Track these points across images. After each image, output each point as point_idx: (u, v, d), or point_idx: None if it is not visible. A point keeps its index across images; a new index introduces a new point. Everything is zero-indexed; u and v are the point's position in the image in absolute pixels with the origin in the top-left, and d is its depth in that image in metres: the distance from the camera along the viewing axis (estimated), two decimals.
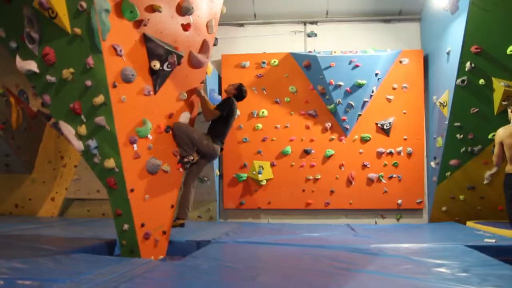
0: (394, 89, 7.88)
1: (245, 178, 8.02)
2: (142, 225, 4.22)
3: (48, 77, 3.99)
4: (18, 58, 4.14)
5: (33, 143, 9.01)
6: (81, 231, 6.19)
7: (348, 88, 7.56)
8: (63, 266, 3.55)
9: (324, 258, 4.12)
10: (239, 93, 5.38)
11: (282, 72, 8.09)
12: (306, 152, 7.99)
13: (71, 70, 3.89)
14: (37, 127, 8.88)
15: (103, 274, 3.30)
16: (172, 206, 4.69)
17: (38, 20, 3.94)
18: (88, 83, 3.83)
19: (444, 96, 6.75)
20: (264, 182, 7.96)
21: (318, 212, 8.06)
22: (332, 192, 7.95)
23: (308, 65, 7.85)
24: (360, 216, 8.00)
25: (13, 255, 3.97)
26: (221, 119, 4.99)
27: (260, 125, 8.06)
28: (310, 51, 8.15)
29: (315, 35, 8.46)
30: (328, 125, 7.95)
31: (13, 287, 2.91)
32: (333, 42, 8.27)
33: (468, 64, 6.06)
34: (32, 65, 4.04)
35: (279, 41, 8.49)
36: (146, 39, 4.14)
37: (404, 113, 7.87)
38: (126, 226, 4.16)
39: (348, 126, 7.87)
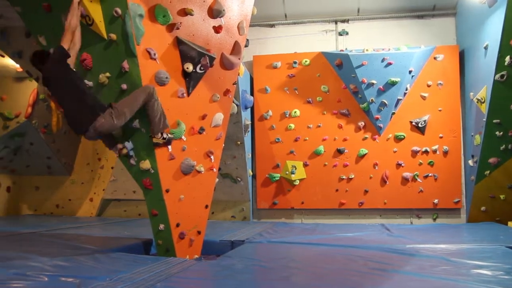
0: (428, 86, 7.70)
1: (278, 178, 8.03)
2: (177, 225, 4.29)
3: (86, 82, 4.12)
4: None
5: (72, 146, 9.32)
6: (119, 230, 6.36)
7: (381, 87, 7.45)
8: (103, 265, 3.66)
9: (358, 258, 4.07)
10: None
11: (314, 71, 8.05)
12: (339, 152, 7.92)
13: (108, 74, 4.00)
14: None
15: (140, 272, 3.37)
16: (207, 206, 4.75)
17: None
18: (124, 86, 3.94)
19: (482, 92, 6.55)
20: (297, 182, 7.94)
21: (351, 212, 7.97)
22: (366, 191, 7.85)
23: (340, 64, 7.78)
24: (395, 216, 7.86)
25: (56, 254, 4.13)
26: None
27: (292, 125, 8.05)
28: (341, 50, 8.08)
29: (347, 33, 8.38)
30: (361, 124, 7.85)
31: (56, 283, 3.02)
32: (365, 40, 8.17)
33: (507, 59, 5.85)
34: None
35: (310, 40, 8.46)
36: (179, 42, 4.21)
37: (440, 110, 7.68)
38: (161, 226, 4.24)
39: (381, 125, 7.75)
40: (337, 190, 7.92)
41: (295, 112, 8.07)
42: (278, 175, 8.04)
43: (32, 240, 5.25)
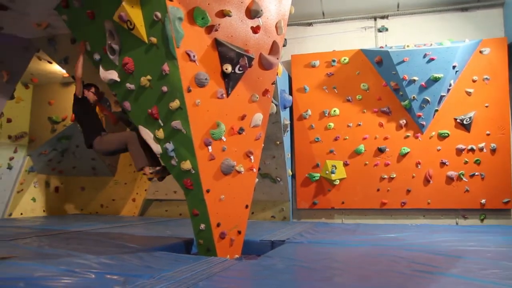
0: (474, 81, 7.42)
1: (318, 178, 7.96)
2: (218, 225, 4.32)
3: (128, 85, 4.24)
4: (101, 69, 4.45)
5: None
6: (160, 230, 6.49)
7: (423, 83, 7.25)
8: (146, 263, 3.74)
9: (402, 260, 3.97)
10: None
11: (353, 69, 7.93)
12: (380, 151, 7.76)
13: (149, 77, 4.09)
14: (119, 132, 9.43)
15: (182, 271, 3.42)
16: (247, 206, 4.76)
17: (118, 32, 4.20)
18: (165, 88, 4.01)
19: None
20: (337, 182, 7.85)
21: (394, 212, 7.79)
22: (408, 191, 7.66)
23: (379, 61, 7.63)
24: (440, 216, 7.62)
25: (101, 252, 4.26)
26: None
27: (332, 124, 7.96)
28: (381, 47, 7.92)
29: (386, 29, 8.21)
30: (403, 122, 7.66)
31: (103, 280, 3.11)
32: (406, 35, 7.97)
33: None
34: (114, 75, 4.32)
35: (348, 38, 8.35)
36: (217, 44, 4.24)
37: (486, 106, 7.38)
38: (202, 226, 4.29)
39: (424, 123, 7.54)
40: (378, 190, 7.77)
41: (334, 111, 7.98)
42: (318, 174, 7.97)
43: (79, 238, 5.44)
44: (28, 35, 6.15)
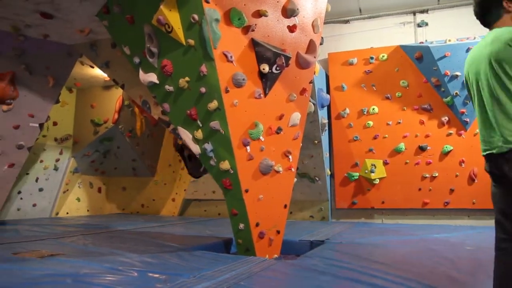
0: None
1: (357, 177, 7.84)
2: (257, 225, 4.33)
3: (167, 87, 4.31)
4: (141, 72, 4.55)
5: (155, 149, 9.80)
6: (200, 229, 6.57)
7: None
8: (186, 262, 3.79)
9: (447, 262, 3.85)
10: None
11: (392, 66, 7.77)
12: (421, 149, 7.56)
13: (187, 78, 4.15)
14: (158, 133, 9.67)
15: (222, 271, 3.45)
16: (285, 206, 4.75)
17: (157, 35, 4.29)
18: (203, 90, 4.05)
19: None
20: (377, 181, 7.70)
21: (436, 212, 7.56)
22: (451, 190, 7.41)
23: (419, 57, 7.43)
24: (486, 217, 7.32)
25: (143, 250, 4.36)
26: None
27: (371, 123, 7.82)
28: (421, 42, 7.72)
29: (426, 24, 7.98)
30: (445, 119, 7.43)
31: (145, 278, 3.18)
32: (447, 29, 7.72)
33: None
34: (153, 77, 4.40)
35: (387, 34, 8.17)
36: (254, 44, 4.25)
37: None
38: (241, 226, 4.30)
39: (468, 120, 7.28)
40: (420, 189, 7.56)
41: (373, 109, 7.84)
42: (357, 174, 7.85)
43: (121, 237, 5.59)
44: (71, 41, 6.38)
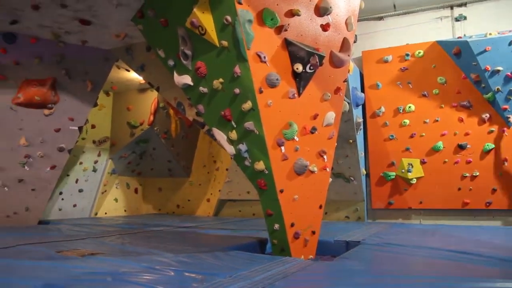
0: None
1: (393, 177, 7.68)
2: (292, 225, 4.31)
3: (201, 88, 4.36)
4: (175, 74, 4.62)
5: (190, 150, 9.93)
6: (235, 229, 6.60)
7: (508, 73, 6.73)
8: (222, 262, 3.81)
9: (488, 265, 3.71)
10: None
11: (429, 62, 7.57)
12: (461, 147, 7.33)
13: (221, 80, 4.17)
14: (192, 135, 9.79)
15: (258, 271, 3.44)
16: (321, 206, 4.70)
17: (190, 38, 4.34)
18: (237, 90, 4.07)
19: None
20: (414, 181, 7.52)
21: (477, 212, 7.31)
22: (494, 190, 7.14)
23: (458, 52, 7.21)
24: None
25: (179, 250, 4.41)
26: None
27: (407, 121, 7.64)
28: (459, 37, 7.48)
29: (465, 18, 7.73)
30: (486, 116, 7.17)
31: (181, 277, 3.21)
32: (487, 23, 7.45)
33: None
34: (187, 79, 4.46)
35: (423, 30, 7.98)
36: (287, 44, 4.23)
37: None
38: (276, 226, 4.29)
39: (510, 116, 6.99)
40: (459, 189, 7.33)
41: (409, 107, 7.66)
42: (394, 173, 7.69)
43: (158, 237, 5.68)
44: (108, 46, 6.55)
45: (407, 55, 7.74)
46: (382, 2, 8.09)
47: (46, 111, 6.57)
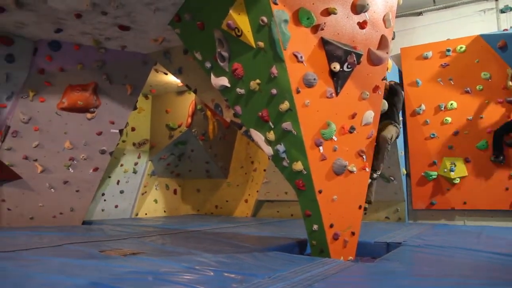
0: None
1: (435, 177, 7.46)
2: (331, 226, 4.26)
3: (238, 90, 4.38)
4: (212, 76, 4.66)
5: (228, 151, 10.00)
6: (273, 230, 6.59)
7: None
8: (261, 263, 3.81)
9: None
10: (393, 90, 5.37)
11: (471, 57, 7.31)
12: (508, 145, 7.02)
13: (258, 81, 4.18)
14: (230, 136, 9.86)
15: (297, 272, 3.42)
16: (360, 207, 4.63)
17: (227, 40, 4.38)
18: (274, 91, 4.07)
19: None
20: (457, 180, 7.28)
21: None
22: None
23: (503, 45, 6.93)
24: None
25: (218, 250, 4.45)
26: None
27: (449, 119, 7.40)
28: (505, 29, 7.19)
29: (511, 9, 7.39)
30: None
31: (221, 278, 3.24)
32: None
33: None
34: (224, 81, 4.50)
35: (464, 24, 7.70)
36: (324, 43, 4.19)
37: None
38: (315, 227, 4.26)
39: None
40: (507, 189, 7.02)
41: (451, 104, 7.42)
42: (435, 173, 7.46)
43: (197, 237, 5.75)
44: (147, 50, 6.70)
45: (448, 50, 7.50)
46: None
47: (89, 115, 6.79)
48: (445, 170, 7.32)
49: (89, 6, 5.06)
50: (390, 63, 6.12)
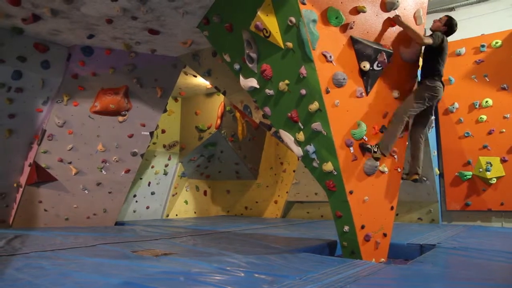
0: None
1: (470, 177, 7.24)
2: (362, 227, 4.20)
3: (267, 91, 4.38)
4: (241, 77, 4.68)
5: (257, 152, 10.01)
6: (303, 231, 6.55)
7: None
8: (291, 264, 3.80)
9: None
10: (449, 28, 4.66)
11: (508, 53, 7.08)
12: None
13: (287, 81, 4.17)
14: (259, 137, 9.87)
15: (327, 274, 3.39)
16: (392, 208, 4.55)
17: (255, 41, 4.38)
18: (303, 91, 4.04)
19: None
20: (493, 181, 7.05)
21: None
22: None
23: None
24: None
25: (249, 252, 4.46)
26: (432, 56, 4.48)
27: (484, 117, 7.18)
28: None
29: None
30: None
31: (252, 279, 3.24)
32: None
33: None
34: (253, 82, 4.50)
35: (500, 18, 7.45)
36: (353, 42, 4.14)
37: None
38: (346, 228, 4.21)
39: None
40: None
41: (486, 101, 7.19)
42: (470, 173, 7.25)
43: (227, 238, 5.77)
44: (176, 53, 6.78)
45: (483, 46, 7.28)
46: None
47: (120, 118, 6.93)
48: (481, 170, 7.10)
49: (120, 11, 5.17)
50: (421, 61, 5.98)
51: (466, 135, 7.33)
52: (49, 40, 6.13)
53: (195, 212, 10.47)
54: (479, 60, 7.29)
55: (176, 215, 9.99)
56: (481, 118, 7.22)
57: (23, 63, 5.97)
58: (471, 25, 7.65)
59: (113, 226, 7.41)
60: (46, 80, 6.29)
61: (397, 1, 4.33)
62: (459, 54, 7.46)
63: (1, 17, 5.35)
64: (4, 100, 6.06)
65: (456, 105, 7.43)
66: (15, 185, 6.58)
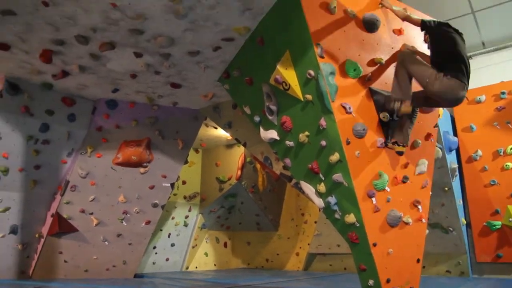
0: None
1: (499, 227, 6.97)
2: (388, 281, 4.05)
3: (287, 142, 4.40)
4: (261, 129, 4.74)
5: (277, 203, 9.91)
6: (326, 285, 6.34)
7: None
8: None
9: None
10: (430, 29, 3.98)
11: None
12: None
13: (307, 133, 4.19)
14: (280, 188, 9.81)
15: None
16: (418, 260, 4.39)
17: (275, 94, 4.47)
18: (323, 143, 4.05)
19: None
20: None
21: None
22: None
23: None
24: None
25: None
26: (445, 51, 3.99)
27: (510, 164, 7.00)
28: None
29: None
30: None
31: None
32: None
33: None
34: (273, 134, 4.55)
35: None
36: (372, 93, 4.18)
37: None
38: (371, 282, 4.06)
39: None
40: None
41: (511, 148, 7.05)
42: (499, 222, 6.98)
43: None
44: (197, 106, 6.94)
45: (503, 93, 7.23)
46: (469, 41, 7.71)
47: (142, 170, 7.01)
48: (510, 219, 6.84)
49: (144, 67, 5.37)
50: (442, 109, 5.97)
51: (492, 183, 7.13)
52: (76, 94, 6.37)
53: (215, 265, 10.28)
54: (500, 107, 7.23)
55: (196, 267, 9.82)
56: (506, 165, 7.04)
57: (51, 117, 6.19)
58: (490, 73, 7.66)
59: (132, 278, 7.32)
60: (72, 132, 6.48)
61: (414, 53, 4.38)
62: (479, 102, 7.41)
63: (34, 74, 5.63)
64: (31, 151, 6.23)
65: (480, 152, 7.29)
66: (37, 235, 6.62)
